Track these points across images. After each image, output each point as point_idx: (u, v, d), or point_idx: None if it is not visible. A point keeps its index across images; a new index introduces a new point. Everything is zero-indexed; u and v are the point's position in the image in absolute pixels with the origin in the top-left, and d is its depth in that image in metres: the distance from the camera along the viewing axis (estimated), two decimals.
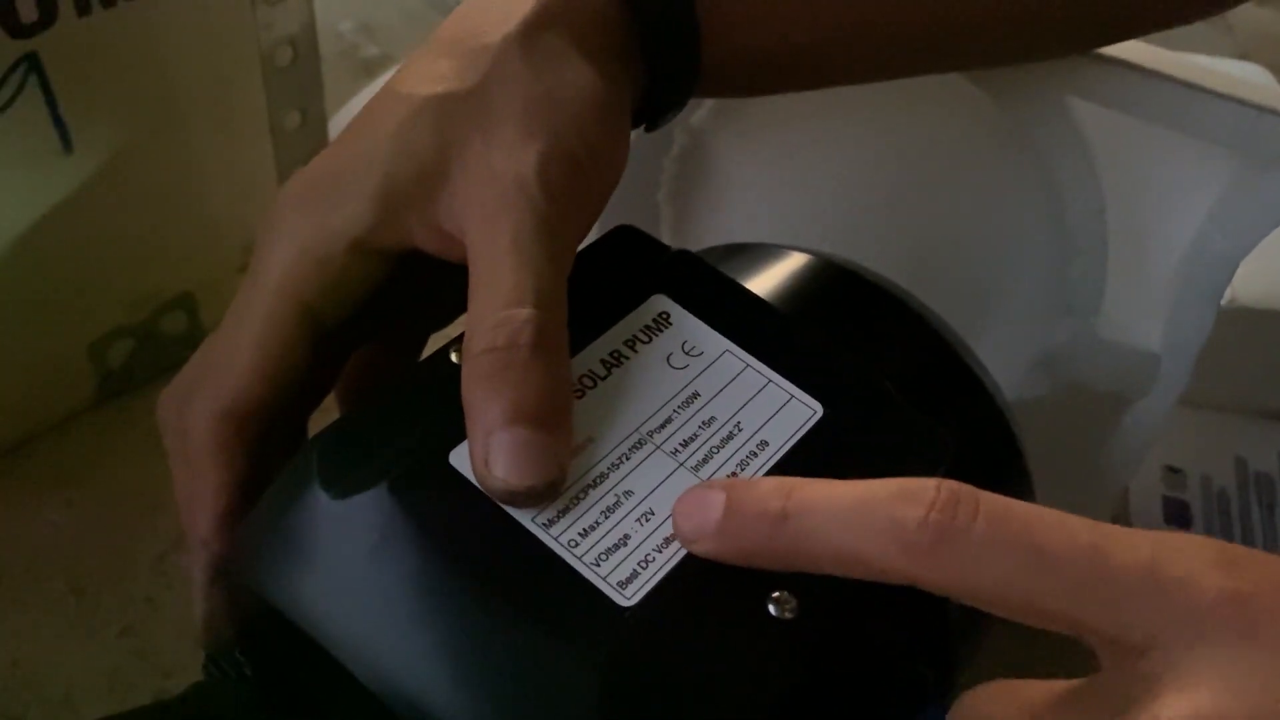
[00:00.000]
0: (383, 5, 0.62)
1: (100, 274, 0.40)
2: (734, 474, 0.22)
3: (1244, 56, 0.67)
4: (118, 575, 0.38)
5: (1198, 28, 0.73)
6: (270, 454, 0.24)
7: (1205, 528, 0.45)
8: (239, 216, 0.43)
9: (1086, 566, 0.18)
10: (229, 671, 0.24)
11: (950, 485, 0.19)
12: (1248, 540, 0.45)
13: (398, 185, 0.23)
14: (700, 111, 0.38)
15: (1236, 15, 0.73)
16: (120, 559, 0.39)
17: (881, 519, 0.18)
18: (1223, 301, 0.45)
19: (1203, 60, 0.37)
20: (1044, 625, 0.19)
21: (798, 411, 0.23)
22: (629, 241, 0.26)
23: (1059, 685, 0.19)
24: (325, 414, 0.27)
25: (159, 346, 0.43)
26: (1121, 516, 0.45)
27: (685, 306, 0.25)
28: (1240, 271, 0.47)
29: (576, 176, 0.24)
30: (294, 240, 0.23)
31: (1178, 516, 0.45)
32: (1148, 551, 0.18)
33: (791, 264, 0.30)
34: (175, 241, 0.41)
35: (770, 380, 0.24)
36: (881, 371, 0.25)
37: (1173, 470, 0.47)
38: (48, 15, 0.33)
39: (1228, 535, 0.45)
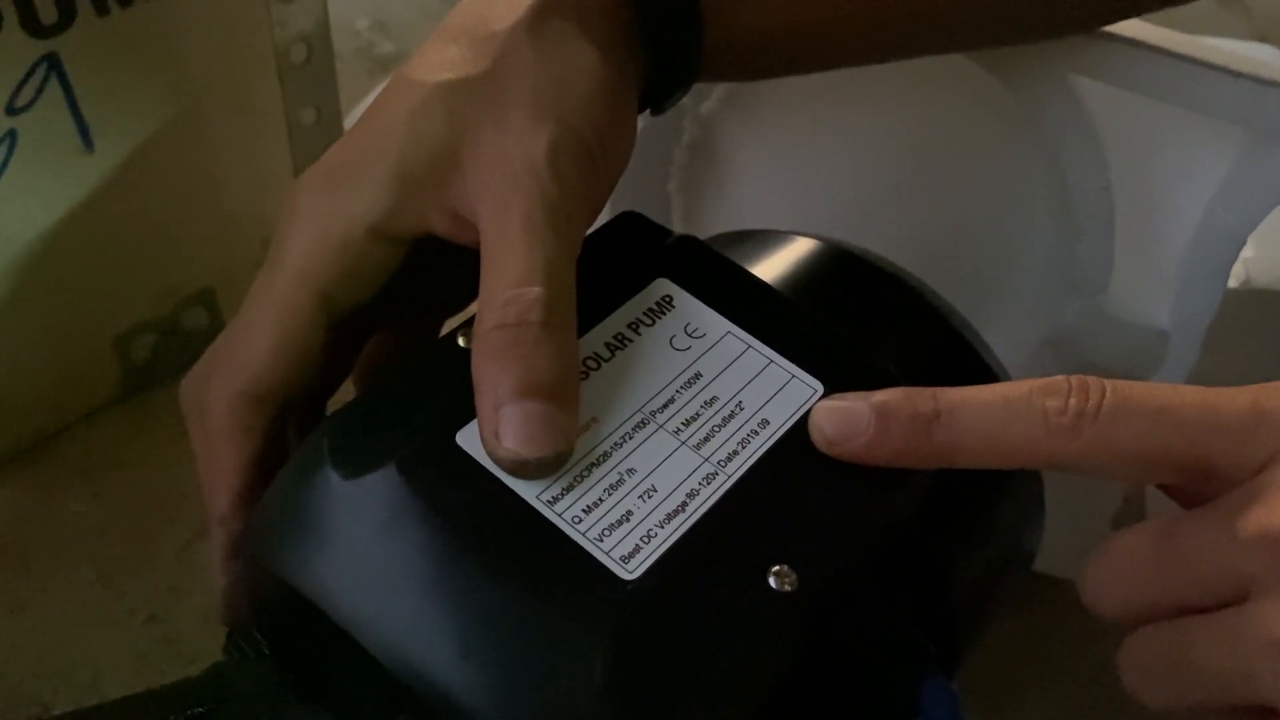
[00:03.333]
0: (398, 2, 0.63)
1: (122, 270, 0.41)
2: (735, 452, 0.23)
3: (1261, 39, 0.67)
4: (143, 563, 0.39)
5: (1213, 11, 0.73)
6: (289, 436, 0.25)
7: None
8: (257, 211, 0.43)
9: (1201, 415, 0.21)
10: (248, 650, 0.24)
11: (1079, 376, 0.22)
12: None
13: (412, 171, 0.24)
14: (709, 101, 0.39)
15: None
16: (146, 548, 0.40)
17: (1026, 409, 0.21)
18: (1237, 284, 0.46)
19: (1214, 41, 0.37)
20: (1176, 476, 0.21)
21: (798, 391, 0.24)
22: (633, 227, 0.27)
23: (1175, 517, 0.21)
24: (344, 396, 0.28)
25: (181, 341, 0.44)
26: (1135, 499, 0.45)
27: (688, 290, 0.25)
28: (1254, 254, 0.47)
29: (585, 160, 0.24)
30: (312, 226, 0.24)
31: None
32: (1249, 395, 0.21)
33: (797, 249, 0.30)
34: (195, 237, 0.42)
35: (771, 361, 0.24)
36: (885, 353, 0.26)
37: None
38: (67, 16, 0.34)
39: None
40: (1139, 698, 0.21)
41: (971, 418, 0.22)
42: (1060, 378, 0.22)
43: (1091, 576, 0.22)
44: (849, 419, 0.22)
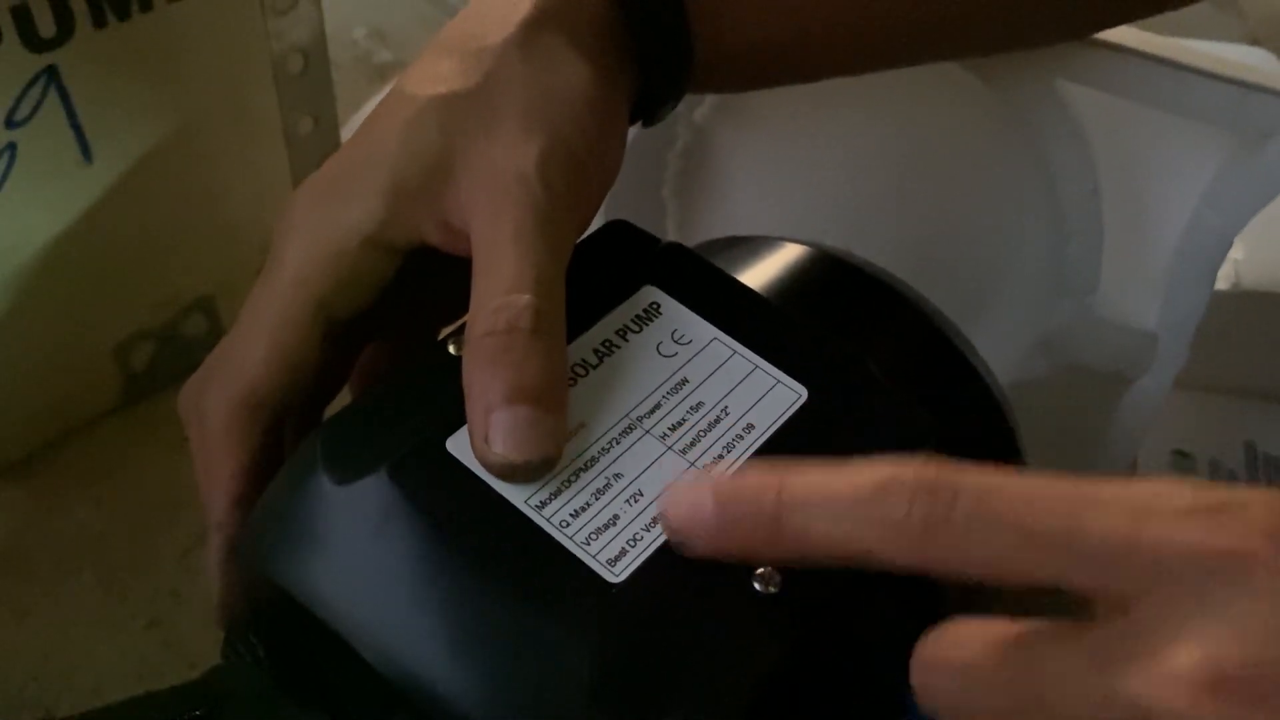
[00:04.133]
0: (395, 11, 0.63)
1: (122, 278, 0.41)
2: (720, 456, 0.23)
3: (1255, 42, 0.67)
4: (145, 569, 0.40)
5: (1207, 13, 0.73)
6: (286, 443, 0.25)
7: None
8: (255, 220, 0.44)
9: (1066, 537, 0.18)
10: (245, 654, 0.25)
11: (926, 473, 0.19)
12: None
13: (406, 182, 0.24)
14: (702, 108, 0.39)
15: (1249, 1, 0.73)
16: (147, 554, 0.40)
17: (875, 510, 0.19)
18: (1227, 286, 0.46)
19: (1203, 45, 0.38)
20: (1040, 591, 0.18)
21: (783, 395, 0.24)
22: (621, 235, 0.27)
23: (1031, 624, 0.19)
24: (342, 404, 0.28)
25: (181, 349, 0.44)
26: None
27: (675, 297, 0.26)
28: (1243, 255, 0.47)
29: (575, 171, 0.25)
30: (309, 237, 0.25)
31: None
32: (1125, 517, 0.18)
33: (786, 255, 0.31)
34: (194, 246, 0.42)
35: (757, 366, 0.25)
36: (873, 358, 0.26)
37: (1182, 454, 0.47)
38: (65, 29, 0.35)
39: None
40: None
41: (818, 519, 0.19)
42: (909, 470, 0.19)
43: (922, 659, 0.19)
44: (693, 510, 0.20)
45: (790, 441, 0.23)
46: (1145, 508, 0.18)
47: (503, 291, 0.23)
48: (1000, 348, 0.37)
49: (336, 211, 0.24)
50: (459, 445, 0.22)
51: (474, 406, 0.22)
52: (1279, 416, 0.49)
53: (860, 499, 0.19)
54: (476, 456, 0.22)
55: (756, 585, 0.21)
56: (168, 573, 0.40)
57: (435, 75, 0.25)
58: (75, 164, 0.37)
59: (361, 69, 0.59)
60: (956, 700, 0.19)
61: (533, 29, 0.25)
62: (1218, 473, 0.47)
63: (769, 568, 0.21)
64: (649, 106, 0.28)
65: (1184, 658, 0.16)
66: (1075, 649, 0.18)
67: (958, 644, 0.19)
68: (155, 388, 0.44)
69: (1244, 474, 0.47)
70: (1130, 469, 0.45)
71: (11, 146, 0.36)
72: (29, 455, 0.42)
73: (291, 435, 0.27)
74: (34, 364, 0.40)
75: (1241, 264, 0.47)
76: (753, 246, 0.31)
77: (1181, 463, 0.47)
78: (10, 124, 0.35)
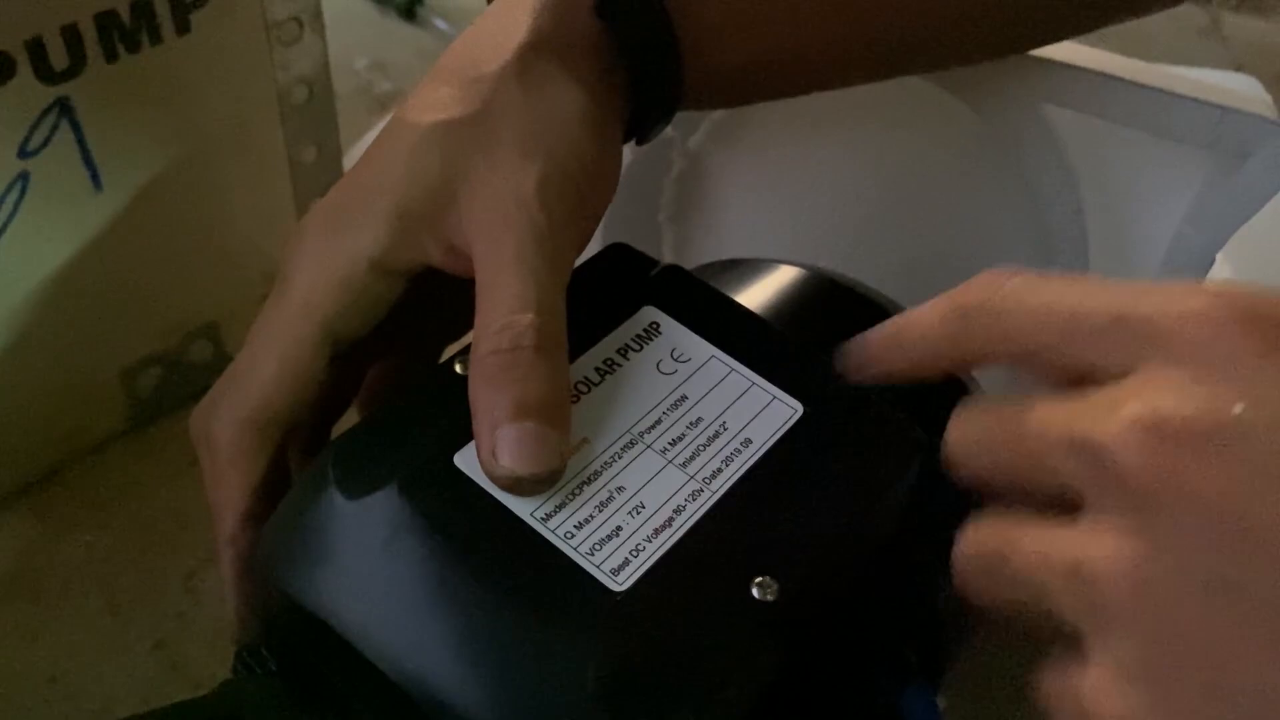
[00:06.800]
0: (395, 43, 0.64)
1: (130, 305, 0.42)
2: (719, 470, 0.24)
3: (1239, 68, 0.68)
4: (151, 592, 0.40)
5: (1191, 40, 0.74)
6: (295, 462, 0.26)
7: None
8: (260, 247, 0.44)
9: (1067, 320, 0.21)
10: (256, 668, 0.25)
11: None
12: None
13: (410, 207, 0.25)
14: (697, 134, 0.40)
15: (1231, 27, 0.74)
16: (153, 576, 0.40)
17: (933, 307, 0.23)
18: None
19: (1187, 71, 0.38)
20: (1056, 377, 0.21)
21: (779, 411, 0.25)
22: (621, 258, 0.28)
23: (1035, 399, 0.21)
24: (349, 423, 0.29)
25: (186, 374, 0.45)
26: None
27: (674, 316, 0.26)
28: (1230, 275, 0.48)
29: (572, 193, 0.25)
30: (316, 262, 0.25)
31: None
32: (1117, 299, 0.20)
33: (780, 276, 0.31)
34: (200, 272, 0.43)
35: (754, 383, 0.25)
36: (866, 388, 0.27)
37: None
38: (78, 62, 0.35)
39: None
40: (964, 592, 0.21)
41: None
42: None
43: (951, 431, 0.22)
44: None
45: (787, 456, 0.24)
46: (1144, 291, 0.20)
47: (506, 311, 0.23)
48: (988, 366, 0.38)
49: (343, 237, 0.25)
50: (466, 460, 0.23)
51: (480, 422, 0.23)
52: None
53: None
54: (483, 470, 0.23)
55: (755, 593, 0.22)
56: (174, 595, 0.40)
57: (435, 102, 0.26)
58: (86, 193, 0.38)
59: (363, 99, 0.60)
60: (975, 460, 0.22)
61: (528, 55, 0.26)
62: None
63: (766, 577, 0.22)
64: (642, 126, 0.29)
65: (1135, 406, 0.19)
66: (1061, 407, 0.20)
67: (982, 413, 0.22)
68: (161, 413, 0.45)
69: None
70: None
71: (24, 176, 0.36)
72: (37, 479, 0.42)
73: (300, 454, 0.27)
74: (43, 389, 0.41)
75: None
76: (748, 268, 0.32)
77: None
78: (23, 154, 0.36)
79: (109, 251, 0.39)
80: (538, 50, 0.26)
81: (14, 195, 0.36)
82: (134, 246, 0.40)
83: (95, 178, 0.38)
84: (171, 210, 0.41)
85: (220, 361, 0.46)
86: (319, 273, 0.25)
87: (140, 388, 0.44)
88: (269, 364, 0.25)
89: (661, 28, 0.28)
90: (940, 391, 0.30)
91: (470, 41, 0.27)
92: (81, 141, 0.37)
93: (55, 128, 0.36)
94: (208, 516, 0.42)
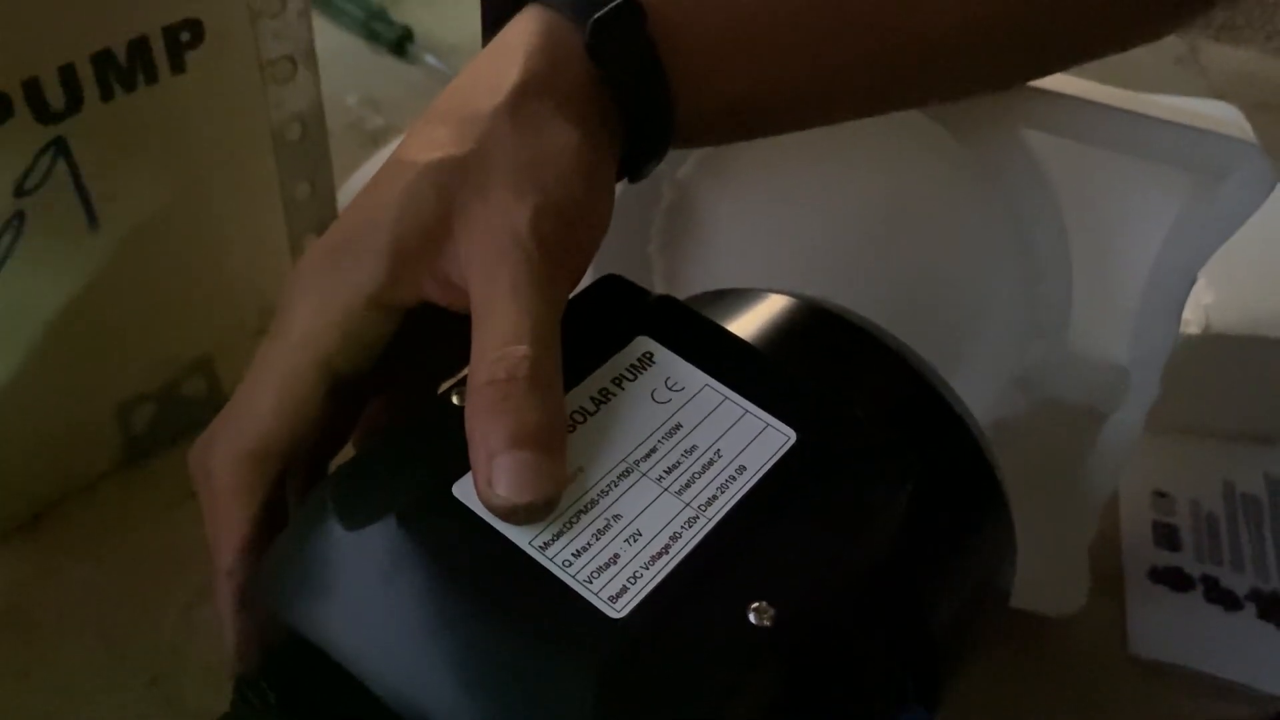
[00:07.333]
0: (386, 79, 0.65)
1: (125, 341, 0.42)
2: (714, 497, 0.24)
3: (1219, 96, 0.69)
4: (145, 627, 0.40)
5: (1171, 70, 0.76)
6: (293, 495, 0.26)
7: (1195, 550, 0.46)
8: (254, 282, 0.45)
9: None
10: (254, 701, 0.25)
11: None
12: (1235, 561, 0.46)
13: (407, 244, 0.26)
14: (685, 167, 0.41)
15: (1210, 57, 0.75)
16: (147, 612, 0.41)
17: None
18: (1199, 330, 0.47)
19: (1167, 98, 0.39)
20: None
21: (772, 438, 0.25)
22: (614, 289, 0.28)
23: None
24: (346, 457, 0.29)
25: (180, 409, 0.45)
26: (1114, 540, 0.47)
27: (667, 346, 0.27)
28: (1213, 300, 0.49)
29: (565, 229, 0.26)
30: (315, 297, 0.26)
31: (1167, 540, 0.47)
32: None
33: (771, 305, 0.32)
34: (194, 308, 0.43)
35: (747, 411, 0.26)
36: (857, 402, 0.27)
37: (1161, 495, 0.49)
38: (74, 101, 0.36)
39: (1216, 557, 0.46)
40: None
41: None
42: None
43: None
44: None
45: (781, 482, 0.24)
46: None
47: (502, 343, 0.24)
48: (979, 387, 0.38)
49: (342, 273, 0.26)
50: (464, 490, 0.23)
51: (477, 452, 0.23)
52: (1256, 456, 0.50)
53: None
54: (481, 500, 0.23)
55: (752, 618, 0.22)
56: (168, 630, 0.40)
57: (431, 142, 0.26)
58: (81, 230, 0.38)
59: (354, 135, 0.60)
60: None
61: (521, 96, 0.27)
62: (1197, 512, 0.48)
63: (763, 602, 0.22)
64: (634, 164, 0.30)
65: None
66: None
67: None
68: (155, 448, 0.45)
69: (1223, 512, 0.48)
70: (1113, 520, 0.46)
71: (20, 215, 0.37)
72: (32, 515, 0.43)
73: (298, 489, 0.28)
74: (39, 426, 0.41)
75: (1212, 308, 0.48)
76: (738, 298, 0.32)
77: (1162, 503, 0.48)
78: (20, 193, 0.36)
79: (104, 288, 0.40)
80: (531, 91, 0.27)
81: (10, 234, 0.37)
82: (129, 283, 0.41)
83: (91, 215, 0.38)
84: (166, 247, 0.41)
85: (214, 397, 0.46)
86: (318, 308, 0.26)
87: (134, 424, 0.44)
88: (268, 398, 0.25)
89: (653, 70, 0.28)
90: (930, 415, 0.31)
91: (465, 83, 0.28)
92: (77, 180, 0.37)
93: (51, 166, 0.37)
94: (202, 551, 0.42)
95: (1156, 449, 0.49)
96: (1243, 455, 0.50)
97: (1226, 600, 0.45)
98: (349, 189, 0.53)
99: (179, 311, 0.43)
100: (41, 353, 0.39)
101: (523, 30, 0.27)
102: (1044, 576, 0.39)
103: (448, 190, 0.25)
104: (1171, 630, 0.43)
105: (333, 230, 0.26)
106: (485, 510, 0.23)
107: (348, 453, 0.30)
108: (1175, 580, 0.45)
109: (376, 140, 0.60)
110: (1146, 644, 0.43)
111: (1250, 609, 0.44)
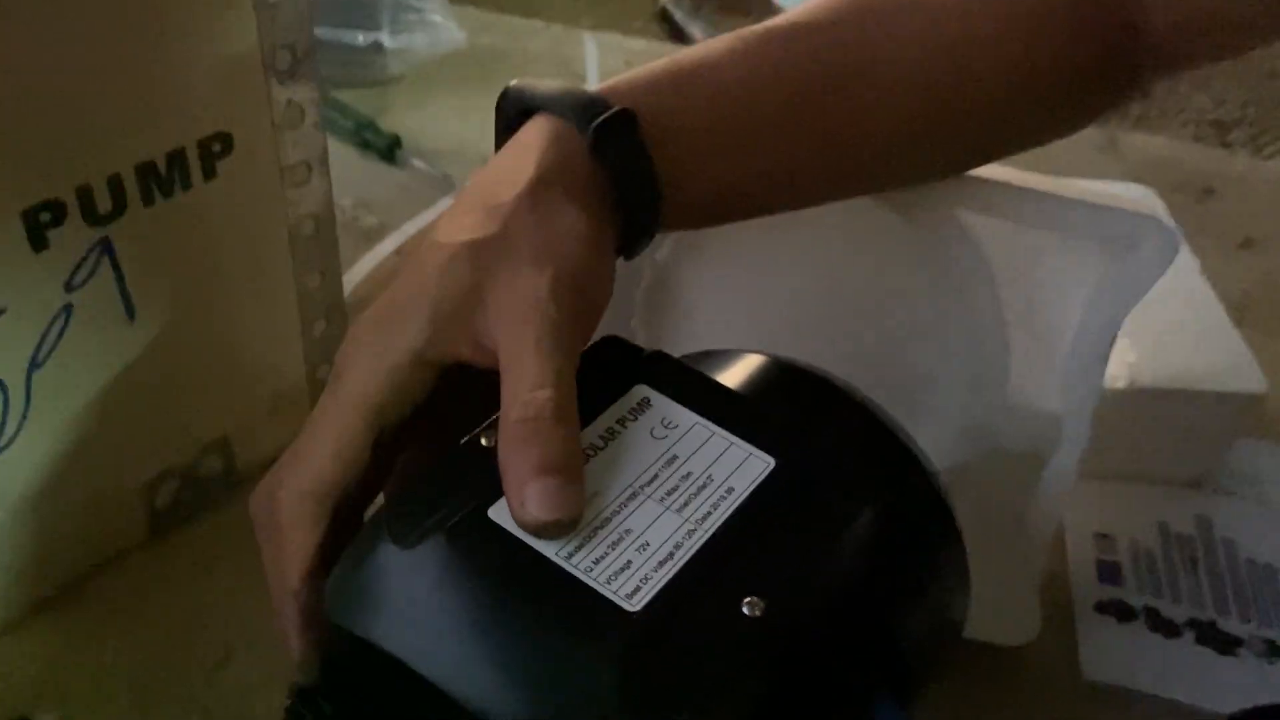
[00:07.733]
0: (377, 182, 0.70)
1: (153, 423, 0.45)
2: (709, 513, 0.28)
3: (1136, 179, 0.75)
4: (174, 690, 0.42)
5: (1090, 155, 0.82)
6: (339, 534, 0.30)
7: (1136, 584, 0.50)
8: (269, 366, 0.48)
9: None
10: (307, 716, 0.29)
11: None
12: (1173, 593, 0.50)
13: (445, 309, 0.30)
14: (663, 250, 0.46)
15: (1127, 144, 0.82)
16: (177, 674, 0.43)
17: None
18: (1125, 385, 0.52)
19: (1087, 182, 0.45)
20: None
21: (755, 465, 0.30)
22: (614, 347, 0.33)
23: None
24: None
25: (199, 486, 0.48)
26: (1063, 578, 0.51)
27: (662, 392, 0.31)
28: (1135, 358, 0.54)
29: (578, 294, 0.31)
30: (368, 356, 0.30)
31: (1111, 576, 0.51)
32: None
33: (749, 362, 0.36)
34: (215, 390, 0.47)
35: (732, 443, 0.30)
36: (821, 439, 0.31)
37: (1104, 536, 0.53)
38: (119, 206, 0.40)
39: (1156, 590, 0.50)
40: None
41: None
42: None
43: None
44: None
45: (764, 500, 0.29)
46: None
47: (529, 388, 0.28)
48: (934, 436, 0.42)
49: (391, 335, 0.30)
50: (498, 513, 0.28)
51: (510, 479, 0.27)
52: (1187, 499, 0.54)
53: None
54: (514, 519, 0.27)
55: (745, 610, 0.26)
56: (197, 691, 0.43)
57: (462, 226, 0.31)
58: (120, 322, 0.42)
59: (349, 233, 0.64)
60: None
61: (537, 186, 0.32)
62: (1136, 550, 0.52)
63: (754, 597, 0.26)
64: (629, 243, 0.35)
65: None
66: None
67: None
68: (175, 524, 0.48)
69: (1160, 550, 0.52)
70: (1060, 559, 0.50)
71: (69, 307, 0.40)
72: (61, 589, 0.45)
73: (342, 525, 0.31)
74: (71, 504, 0.44)
75: (1135, 366, 0.53)
76: (720, 356, 0.37)
77: (1104, 543, 0.52)
78: (69, 288, 0.40)
79: (138, 375, 0.43)
80: (545, 183, 0.32)
81: (59, 325, 0.40)
82: (159, 369, 0.44)
83: (129, 309, 0.42)
84: (193, 336, 0.44)
85: (230, 474, 0.49)
86: (369, 365, 0.30)
87: (159, 500, 0.47)
88: (327, 443, 0.30)
89: (644, 166, 0.33)
90: (891, 458, 0.35)
91: (489, 177, 0.33)
92: (119, 276, 0.41)
93: (97, 264, 0.40)
94: (226, 614, 0.45)
95: (1097, 494, 0.53)
96: (1175, 498, 0.54)
97: (1167, 628, 0.48)
98: (348, 280, 0.57)
99: (201, 395, 0.46)
100: (78, 434, 0.42)
101: (535, 133, 0.33)
102: (1000, 610, 0.43)
103: (479, 265, 0.30)
104: (1119, 656, 0.47)
105: (381, 301, 0.31)
106: (518, 528, 0.27)
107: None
108: (1120, 611, 0.49)
109: (370, 237, 0.64)
110: (1097, 669, 0.46)
111: (1189, 635, 0.48)
